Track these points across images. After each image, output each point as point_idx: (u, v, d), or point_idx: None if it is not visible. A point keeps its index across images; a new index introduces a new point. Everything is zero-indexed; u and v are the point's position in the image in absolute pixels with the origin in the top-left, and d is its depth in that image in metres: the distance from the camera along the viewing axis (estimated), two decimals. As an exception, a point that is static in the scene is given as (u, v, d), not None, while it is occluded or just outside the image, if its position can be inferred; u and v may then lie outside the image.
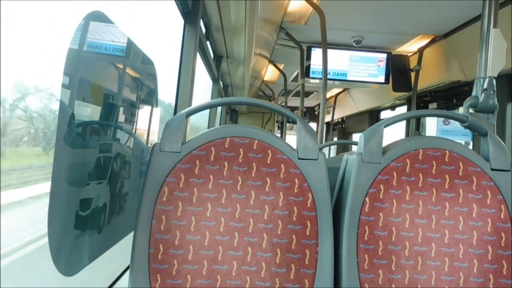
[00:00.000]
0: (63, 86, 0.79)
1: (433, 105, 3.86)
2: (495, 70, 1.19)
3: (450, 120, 3.39)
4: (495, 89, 1.19)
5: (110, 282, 1.24)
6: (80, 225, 0.91)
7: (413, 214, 1.01)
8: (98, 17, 0.92)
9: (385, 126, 1.06)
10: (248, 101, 1.08)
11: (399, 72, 3.55)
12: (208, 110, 3.46)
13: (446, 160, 1.04)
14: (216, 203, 0.97)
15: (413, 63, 3.57)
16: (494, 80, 1.20)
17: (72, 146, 0.85)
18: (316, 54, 3.47)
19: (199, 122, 3.78)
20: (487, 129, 1.07)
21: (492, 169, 1.03)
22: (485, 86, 1.19)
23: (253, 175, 0.99)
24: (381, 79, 3.62)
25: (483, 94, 1.19)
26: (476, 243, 1.00)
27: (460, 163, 1.04)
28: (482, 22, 1.23)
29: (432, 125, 3.86)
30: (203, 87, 3.56)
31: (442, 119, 3.46)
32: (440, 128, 3.38)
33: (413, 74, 3.56)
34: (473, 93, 1.21)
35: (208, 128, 3.50)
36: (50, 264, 0.80)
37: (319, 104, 7.60)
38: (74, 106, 0.84)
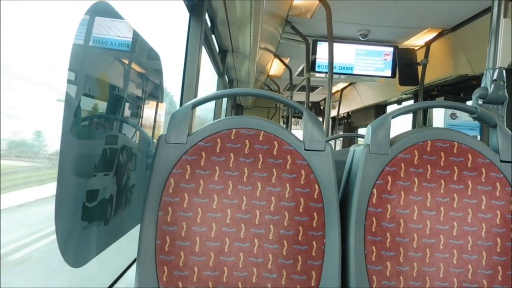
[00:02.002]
0: (68, 81, 0.79)
1: (440, 99, 3.82)
2: (505, 60, 1.17)
3: (458, 114, 3.36)
4: (504, 80, 1.17)
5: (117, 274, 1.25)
6: (87, 217, 0.91)
7: (421, 206, 1.00)
8: (104, 8, 0.91)
9: (392, 117, 1.05)
10: (254, 92, 1.07)
11: (406, 66, 3.52)
12: (214, 106, 3.46)
13: (455, 151, 1.03)
14: (222, 195, 0.97)
15: (420, 56, 3.53)
16: (504, 71, 1.18)
17: (78, 138, 0.85)
18: (322, 48, 3.45)
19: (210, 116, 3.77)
20: (496, 121, 1.05)
21: (501, 161, 1.02)
22: (494, 77, 1.17)
23: (259, 166, 0.99)
24: (388, 73, 3.59)
25: (492, 85, 1.17)
26: (484, 235, 0.99)
27: (469, 155, 1.02)
28: (491, 11, 1.21)
29: (439, 120, 3.83)
30: (209, 83, 3.56)
31: (449, 113, 3.43)
32: (447, 123, 3.35)
33: (420, 68, 3.53)
34: (482, 84, 1.20)
35: (213, 122, 3.50)
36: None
37: (325, 99, 7.57)
38: (79, 99, 0.84)
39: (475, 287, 0.98)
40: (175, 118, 0.99)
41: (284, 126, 7.63)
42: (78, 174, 0.86)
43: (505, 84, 1.17)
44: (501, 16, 1.18)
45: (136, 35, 1.11)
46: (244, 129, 1.00)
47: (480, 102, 1.20)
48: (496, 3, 1.20)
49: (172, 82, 1.78)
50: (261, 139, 0.99)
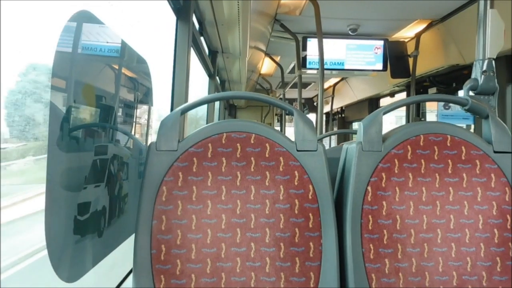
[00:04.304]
0: (53, 88, 0.77)
1: (432, 90, 3.84)
2: (494, 51, 1.17)
3: (451, 104, 3.36)
4: (494, 70, 1.17)
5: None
6: (80, 230, 0.90)
7: (417, 201, 1.00)
8: (86, 17, 0.90)
9: (384, 113, 1.04)
10: (244, 95, 1.06)
11: (397, 59, 3.51)
12: (206, 107, 3.44)
13: (448, 144, 1.02)
14: (216, 200, 0.96)
15: (410, 48, 3.53)
16: (493, 62, 1.17)
17: (66, 150, 0.83)
18: (312, 45, 3.44)
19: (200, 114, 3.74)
20: (488, 112, 1.05)
21: (495, 152, 1.02)
22: (484, 68, 1.17)
23: (252, 169, 0.98)
24: (379, 66, 3.59)
25: (482, 76, 1.17)
26: (482, 227, 0.99)
27: (462, 147, 1.02)
28: (478, 3, 1.21)
29: (433, 112, 3.83)
30: (201, 84, 3.54)
31: (442, 103, 3.44)
32: (440, 113, 3.35)
33: (411, 60, 3.53)
34: (473, 76, 1.19)
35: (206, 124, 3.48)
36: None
37: (317, 95, 7.56)
38: (66, 108, 0.82)
39: (474, 279, 0.98)
40: (165, 125, 0.98)
41: (278, 123, 7.60)
42: (67, 186, 0.85)
43: (495, 75, 1.17)
44: (488, 7, 1.18)
45: (121, 42, 1.09)
46: (235, 133, 0.99)
47: (471, 93, 1.19)
48: None
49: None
50: (252, 142, 0.98)
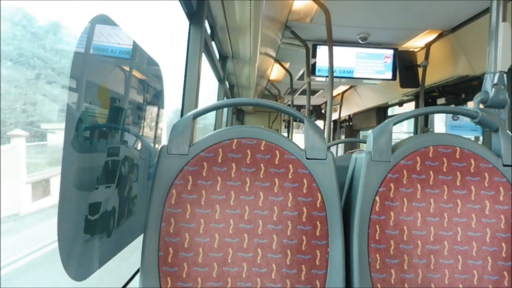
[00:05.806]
0: (70, 89, 0.79)
1: (441, 101, 3.82)
2: (505, 64, 1.17)
3: (459, 115, 3.35)
4: (505, 83, 1.17)
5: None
6: (90, 229, 0.91)
7: (425, 213, 1.00)
8: (104, 20, 0.92)
9: (394, 124, 1.05)
10: (255, 101, 1.07)
11: (406, 68, 3.52)
12: (214, 111, 3.46)
13: (457, 157, 1.02)
14: (225, 205, 0.97)
15: (420, 58, 3.53)
16: (505, 75, 1.17)
17: (80, 150, 0.85)
18: (322, 52, 3.45)
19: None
20: (498, 125, 1.05)
21: (504, 165, 1.02)
22: (495, 81, 1.17)
23: (261, 176, 0.98)
24: (388, 75, 3.59)
25: (493, 89, 1.17)
26: (489, 240, 0.99)
27: (472, 160, 1.02)
28: (490, 16, 1.21)
29: (440, 121, 3.82)
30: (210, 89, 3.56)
31: (450, 114, 3.42)
32: (449, 124, 3.34)
33: (420, 70, 3.53)
34: (483, 88, 1.19)
35: (214, 129, 3.50)
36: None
37: (325, 102, 7.57)
38: (81, 109, 0.84)
39: None
40: (176, 129, 0.99)
41: (286, 129, 7.61)
42: (80, 186, 0.86)
43: (506, 88, 1.17)
44: (500, 20, 1.18)
45: (135, 45, 1.11)
46: (245, 139, 1.00)
47: (481, 106, 1.19)
48: (494, 6, 1.20)
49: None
50: (262, 148, 0.99)
